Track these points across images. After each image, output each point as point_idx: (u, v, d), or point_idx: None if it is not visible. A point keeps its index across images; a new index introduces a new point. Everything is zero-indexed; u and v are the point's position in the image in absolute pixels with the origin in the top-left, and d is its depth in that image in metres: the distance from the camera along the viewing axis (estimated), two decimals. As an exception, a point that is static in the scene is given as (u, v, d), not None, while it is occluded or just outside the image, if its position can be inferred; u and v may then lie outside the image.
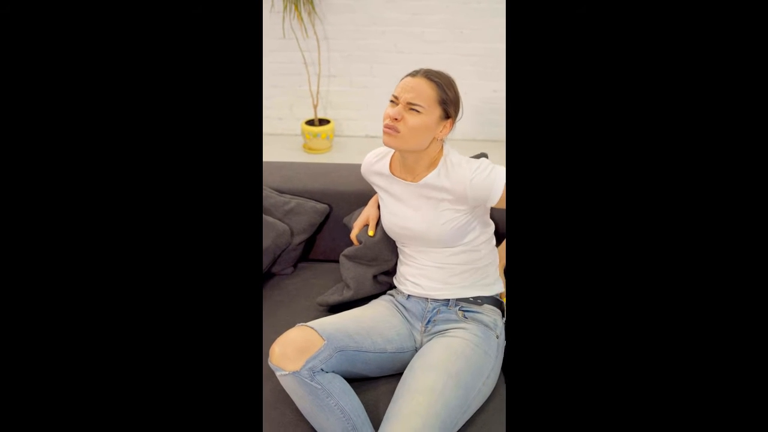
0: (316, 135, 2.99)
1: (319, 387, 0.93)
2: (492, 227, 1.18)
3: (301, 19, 2.85)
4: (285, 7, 2.80)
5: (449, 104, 1.04)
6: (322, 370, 0.95)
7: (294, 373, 0.92)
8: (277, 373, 0.95)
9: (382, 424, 0.90)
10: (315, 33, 2.94)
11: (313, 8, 2.85)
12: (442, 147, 1.09)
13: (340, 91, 3.18)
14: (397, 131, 1.00)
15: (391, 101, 1.03)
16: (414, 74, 1.05)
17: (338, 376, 0.98)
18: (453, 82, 1.08)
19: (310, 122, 3.07)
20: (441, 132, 1.04)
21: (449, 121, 1.05)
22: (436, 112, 1.02)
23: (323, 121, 3.08)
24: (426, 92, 1.01)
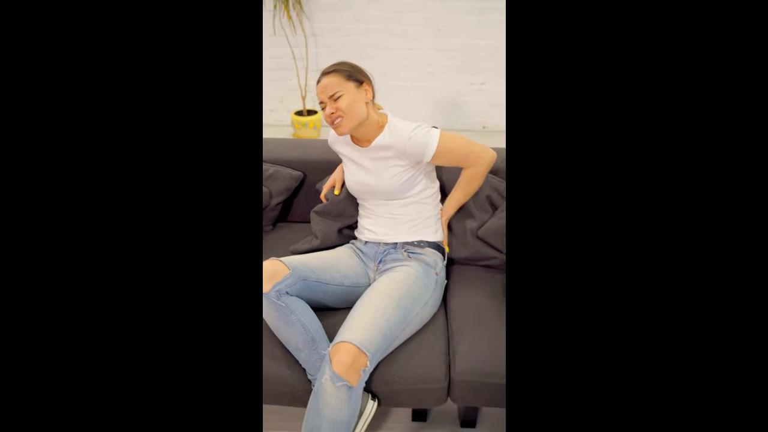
0: (304, 124, 3.21)
1: (284, 305, 1.14)
2: (437, 184, 1.40)
3: (290, 17, 3.07)
4: (275, 6, 3.03)
5: (353, 74, 1.25)
6: (287, 293, 1.16)
7: (264, 294, 1.14)
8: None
9: (335, 337, 1.12)
10: (303, 30, 3.16)
11: (301, 7, 3.08)
12: (387, 116, 1.31)
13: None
14: (341, 118, 1.23)
15: (321, 108, 1.26)
16: (318, 81, 1.27)
17: (301, 300, 1.20)
18: (345, 62, 1.29)
19: (299, 113, 3.29)
20: (366, 95, 1.27)
21: (365, 84, 1.27)
22: (350, 85, 1.24)
23: (311, 112, 3.30)
24: (333, 81, 1.23)
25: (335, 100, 1.23)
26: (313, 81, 3.36)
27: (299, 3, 3.03)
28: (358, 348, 1.06)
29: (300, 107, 3.33)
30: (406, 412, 1.46)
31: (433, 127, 1.28)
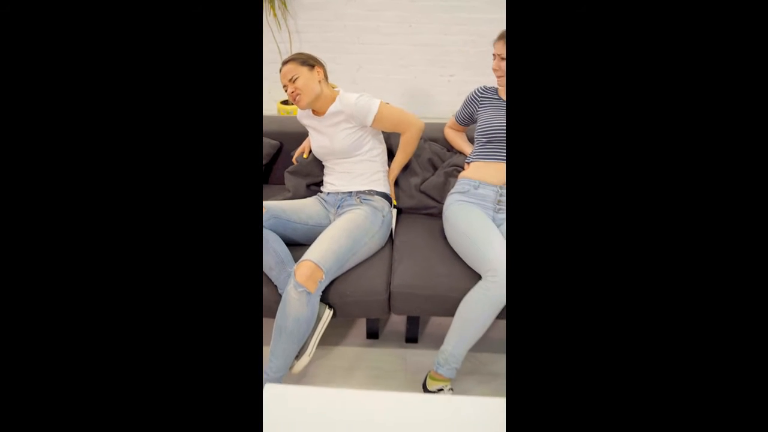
0: (288, 112, 3.53)
1: (265, 232, 1.47)
2: (384, 146, 1.73)
3: (276, 15, 3.40)
4: (261, 5, 3.35)
5: (306, 61, 1.59)
6: (265, 228, 1.49)
7: (244, 227, 1.47)
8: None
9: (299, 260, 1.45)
10: (287, 27, 3.48)
11: (285, 6, 3.40)
12: (339, 90, 1.64)
13: (310, 76, 3.73)
14: (299, 95, 1.57)
15: (285, 89, 1.59)
16: (280, 69, 1.60)
17: (274, 233, 1.52)
18: (299, 52, 1.63)
19: (285, 102, 3.61)
20: (318, 75, 1.60)
21: (316, 67, 1.61)
22: (304, 69, 1.57)
23: (296, 102, 3.63)
24: (290, 67, 1.57)
25: (293, 81, 1.56)
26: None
27: (284, 2, 3.36)
28: (316, 264, 1.39)
29: (285, 97, 3.65)
30: (361, 333, 1.79)
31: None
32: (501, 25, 3.45)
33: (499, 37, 1.53)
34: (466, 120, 1.77)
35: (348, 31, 3.55)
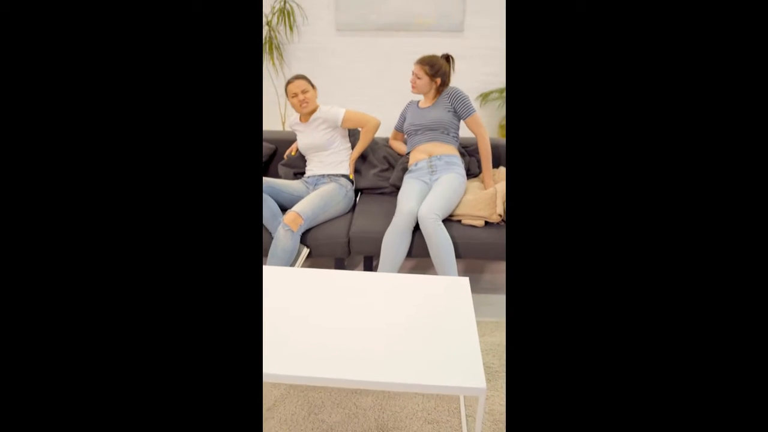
0: (282, 142, 4.29)
1: (263, 196, 2.16)
2: (349, 144, 2.45)
3: (274, 63, 4.22)
4: (263, 57, 4.17)
5: (310, 82, 2.34)
6: (263, 192, 2.18)
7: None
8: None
9: (287, 213, 2.13)
10: (283, 73, 4.30)
11: (282, 56, 4.23)
12: (318, 104, 2.38)
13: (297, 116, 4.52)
14: (306, 103, 2.30)
15: (292, 97, 2.32)
16: (292, 82, 2.33)
17: (270, 197, 2.21)
18: (306, 77, 2.36)
19: (279, 134, 4.38)
20: (315, 92, 2.33)
21: (314, 88, 2.34)
22: (311, 87, 2.32)
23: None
24: (303, 83, 2.32)
25: (304, 92, 2.29)
26: (291, 112, 4.48)
27: (280, 53, 4.19)
28: (297, 213, 2.07)
29: (281, 129, 4.42)
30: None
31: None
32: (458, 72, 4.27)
33: (418, 61, 2.28)
34: (401, 125, 2.51)
35: (332, 77, 4.37)
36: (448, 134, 2.31)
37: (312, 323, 1.41)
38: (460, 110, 2.29)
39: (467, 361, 1.27)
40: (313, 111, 2.37)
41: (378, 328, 1.40)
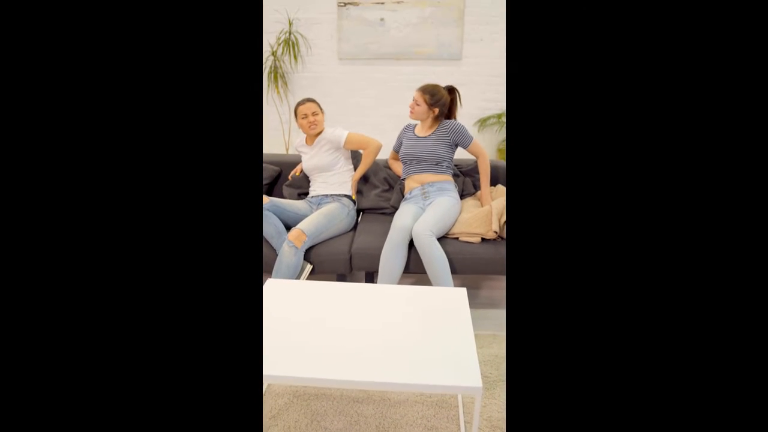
0: (286, 167, 4.40)
1: (268, 213, 2.24)
2: (351, 166, 2.55)
3: (279, 92, 4.37)
4: (268, 85, 4.33)
5: (319, 105, 2.45)
6: (268, 210, 2.27)
7: (255, 210, 2.25)
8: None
9: (291, 230, 2.21)
10: (287, 101, 4.45)
11: (286, 85, 4.39)
12: (324, 128, 2.49)
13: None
14: (315, 125, 2.41)
15: (303, 118, 2.42)
16: (303, 103, 2.44)
17: (274, 215, 2.29)
18: (312, 99, 2.48)
19: (283, 159, 4.49)
20: (323, 116, 2.44)
21: (322, 110, 2.46)
22: (318, 109, 2.43)
23: (292, 159, 4.51)
24: (314, 106, 2.43)
25: (314, 114, 2.41)
26: (294, 138, 4.61)
27: (285, 83, 4.35)
28: (301, 230, 2.15)
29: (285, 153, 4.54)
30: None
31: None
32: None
33: (420, 88, 2.40)
34: (398, 147, 2.60)
35: (335, 105, 4.52)
36: (440, 166, 2.40)
37: (314, 329, 1.47)
38: (461, 142, 2.38)
39: (464, 363, 1.33)
40: (319, 133, 2.48)
41: (378, 332, 1.46)
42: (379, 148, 2.49)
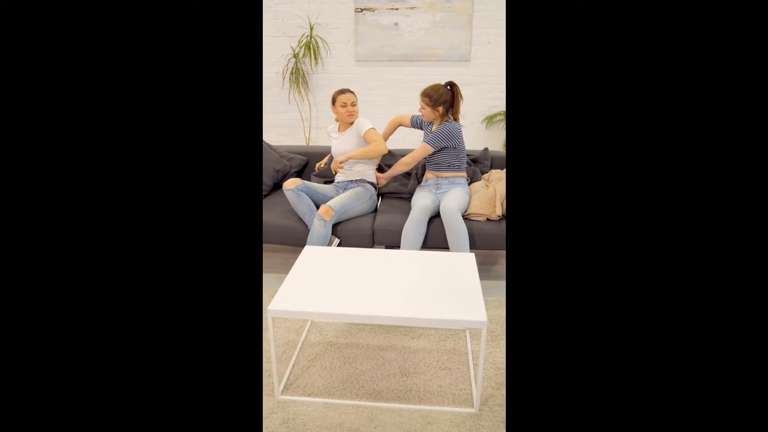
0: (307, 161, 4.72)
1: (300, 194, 2.56)
2: (373, 155, 2.86)
3: (300, 92, 4.70)
4: (290, 85, 4.66)
5: (356, 95, 2.75)
6: (300, 191, 2.58)
7: (291, 189, 2.56)
8: (285, 192, 2.58)
9: (321, 210, 2.53)
10: (308, 100, 4.77)
11: (307, 86, 4.71)
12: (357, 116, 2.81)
13: (323, 137, 4.97)
14: (353, 114, 2.71)
15: (342, 106, 2.71)
16: (344, 92, 2.75)
17: (306, 195, 2.61)
18: (351, 90, 2.78)
19: (304, 155, 4.80)
20: (358, 108, 2.75)
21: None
22: (356, 100, 2.74)
23: (312, 154, 4.82)
24: (353, 97, 2.73)
25: (353, 105, 2.71)
26: (315, 135, 4.94)
27: (306, 83, 4.68)
28: (330, 206, 2.47)
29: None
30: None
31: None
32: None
33: (420, 94, 2.69)
34: (415, 122, 2.85)
35: (352, 103, 4.82)
36: (451, 166, 2.68)
37: (346, 281, 1.78)
38: (449, 145, 2.60)
39: (472, 304, 1.63)
40: (352, 122, 2.78)
41: (400, 283, 1.77)
42: (380, 154, 2.69)
